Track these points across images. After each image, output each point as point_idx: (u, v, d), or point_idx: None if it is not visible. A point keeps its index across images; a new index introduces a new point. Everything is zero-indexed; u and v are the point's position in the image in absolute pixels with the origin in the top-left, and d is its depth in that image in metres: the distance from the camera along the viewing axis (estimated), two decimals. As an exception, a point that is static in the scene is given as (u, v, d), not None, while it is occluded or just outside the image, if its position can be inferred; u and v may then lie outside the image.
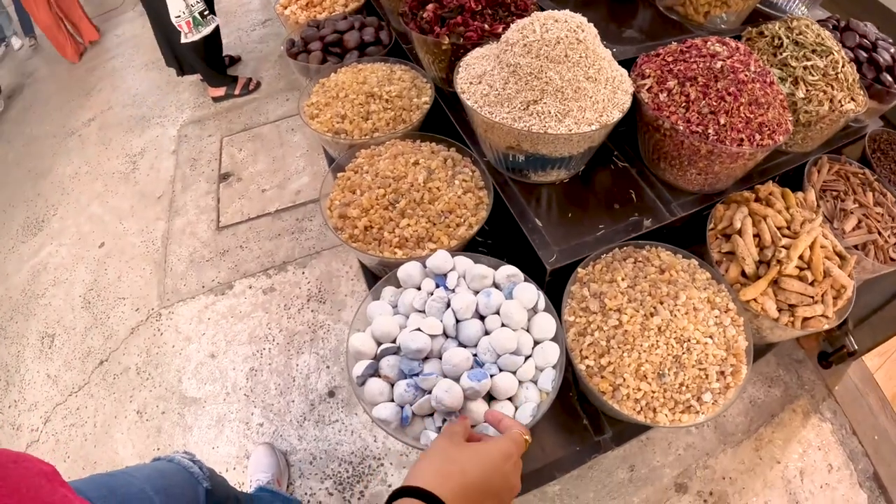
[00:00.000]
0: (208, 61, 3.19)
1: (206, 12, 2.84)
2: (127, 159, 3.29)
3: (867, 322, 1.82)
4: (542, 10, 1.19)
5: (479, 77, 1.12)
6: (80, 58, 4.42)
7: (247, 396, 2.07)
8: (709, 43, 1.24)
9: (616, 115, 1.08)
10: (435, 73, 1.43)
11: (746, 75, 1.18)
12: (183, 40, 2.88)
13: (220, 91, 3.38)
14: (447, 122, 1.41)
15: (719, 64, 1.19)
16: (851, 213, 1.39)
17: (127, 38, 4.64)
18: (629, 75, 1.20)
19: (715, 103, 1.16)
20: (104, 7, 5.19)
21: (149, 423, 2.06)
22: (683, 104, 1.17)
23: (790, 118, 1.24)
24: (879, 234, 1.37)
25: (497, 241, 1.35)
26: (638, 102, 1.18)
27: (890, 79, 1.46)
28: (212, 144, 3.21)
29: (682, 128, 1.14)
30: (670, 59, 1.23)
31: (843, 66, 1.35)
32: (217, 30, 3.18)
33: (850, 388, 1.88)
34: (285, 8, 1.98)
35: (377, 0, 1.92)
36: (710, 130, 1.14)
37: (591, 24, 1.14)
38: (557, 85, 1.03)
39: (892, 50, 1.51)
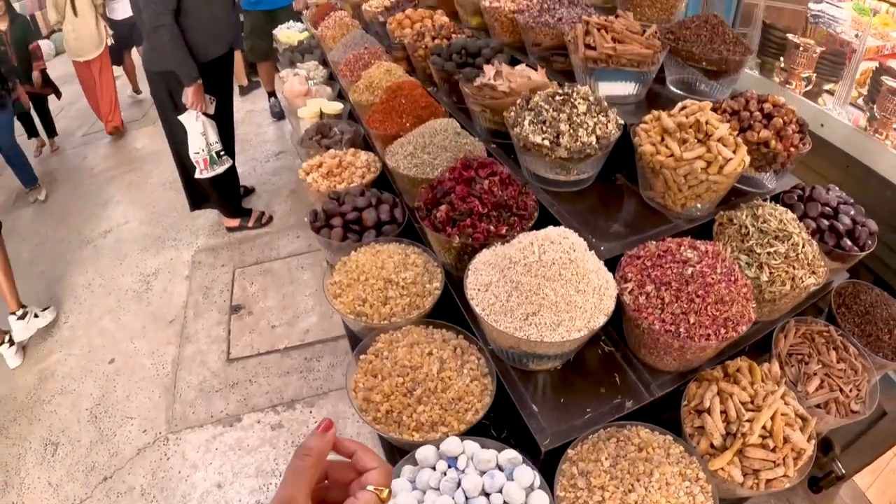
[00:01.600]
0: (225, 194, 3.44)
1: (222, 152, 3.09)
2: (141, 278, 3.42)
3: (853, 446, 1.93)
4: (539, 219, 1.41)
5: (486, 286, 1.34)
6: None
7: (252, 530, 2.10)
8: (682, 248, 1.48)
9: (601, 320, 1.28)
10: (445, 260, 1.65)
11: (714, 278, 1.40)
12: (197, 175, 3.10)
13: (235, 222, 3.60)
14: (454, 304, 1.61)
15: (690, 270, 1.41)
16: (815, 374, 1.56)
17: (148, 152, 4.95)
18: (614, 276, 1.42)
19: (686, 305, 1.37)
20: (128, 117, 5.60)
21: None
22: (659, 306, 1.38)
23: (753, 307, 1.45)
24: (841, 390, 1.55)
25: (499, 416, 1.51)
26: (621, 302, 1.39)
27: (849, 243, 1.66)
28: (224, 275, 3.36)
29: (657, 327, 1.34)
30: (649, 263, 1.46)
31: (802, 247, 1.57)
32: (233, 164, 3.48)
33: (843, 508, 1.98)
34: (307, 174, 2.23)
35: (392, 178, 2.19)
36: (682, 329, 1.34)
37: (581, 240, 1.38)
38: (552, 300, 1.24)
39: (852, 212, 1.72)
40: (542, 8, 2.04)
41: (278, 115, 5.15)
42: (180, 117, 2.95)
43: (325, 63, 3.31)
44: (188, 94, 2.86)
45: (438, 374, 1.34)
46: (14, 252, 3.31)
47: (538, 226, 1.60)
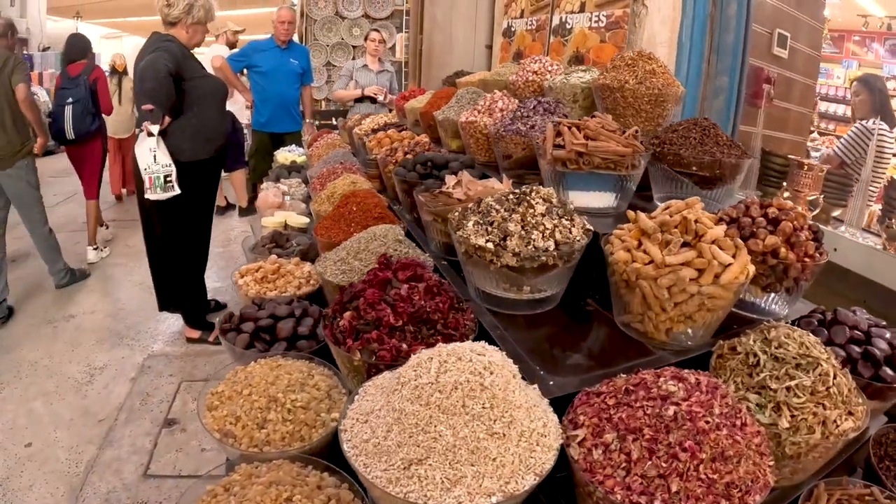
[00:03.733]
0: (192, 303, 3.22)
1: (170, 179, 2.85)
2: (87, 370, 3.25)
3: None
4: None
5: (367, 415, 0.93)
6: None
7: None
8: (661, 380, 1.05)
9: (529, 483, 0.84)
10: (350, 384, 1.26)
11: (709, 422, 0.95)
12: (147, 195, 2.89)
13: (196, 334, 3.38)
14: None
15: (672, 410, 0.97)
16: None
17: (136, 251, 4.88)
18: (560, 420, 1.00)
19: (665, 464, 0.91)
20: (128, 214, 5.68)
21: None
22: (623, 464, 0.92)
23: (770, 464, 0.97)
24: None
25: None
26: (567, 457, 0.95)
27: (890, 372, 1.23)
28: (169, 385, 3.11)
29: (619, 497, 0.88)
30: (612, 401, 1.02)
31: (834, 377, 1.11)
32: (201, 274, 3.28)
33: None
34: (241, 276, 1.96)
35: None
36: (658, 500, 0.88)
37: (509, 361, 0.98)
38: (448, 443, 0.81)
39: (888, 335, 1.31)
40: (515, 116, 1.87)
41: None
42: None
43: (308, 182, 3.27)
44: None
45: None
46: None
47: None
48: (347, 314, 1.23)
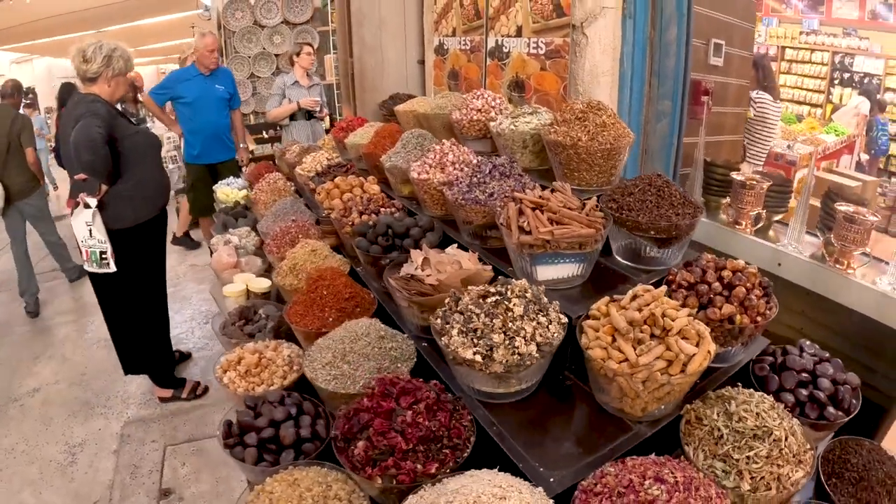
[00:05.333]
0: (158, 362, 3.09)
1: (105, 256, 2.71)
2: (66, 448, 3.09)
3: None
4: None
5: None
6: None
7: None
8: (647, 482, 1.16)
9: None
10: (373, 495, 1.33)
11: None
12: (85, 266, 2.78)
13: (168, 393, 3.25)
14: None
15: None
16: None
17: (84, 304, 4.67)
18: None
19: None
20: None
21: None
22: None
23: None
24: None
25: None
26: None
27: (833, 411, 1.41)
28: (154, 452, 3.00)
29: None
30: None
31: (786, 440, 1.28)
32: (166, 329, 3.14)
33: None
34: (224, 372, 1.93)
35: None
36: None
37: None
38: None
39: (830, 370, 1.49)
40: (472, 182, 1.86)
41: None
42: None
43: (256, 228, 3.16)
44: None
45: None
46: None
47: (478, 449, 1.32)
48: (361, 444, 1.28)
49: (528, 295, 1.47)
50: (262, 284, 2.39)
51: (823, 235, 1.94)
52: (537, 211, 1.58)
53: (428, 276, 1.70)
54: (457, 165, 2.04)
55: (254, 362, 1.88)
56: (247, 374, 1.88)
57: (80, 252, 2.73)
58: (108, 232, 2.63)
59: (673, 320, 1.36)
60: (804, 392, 1.46)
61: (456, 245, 1.86)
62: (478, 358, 1.36)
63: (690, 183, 2.19)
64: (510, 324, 1.40)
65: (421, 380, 1.46)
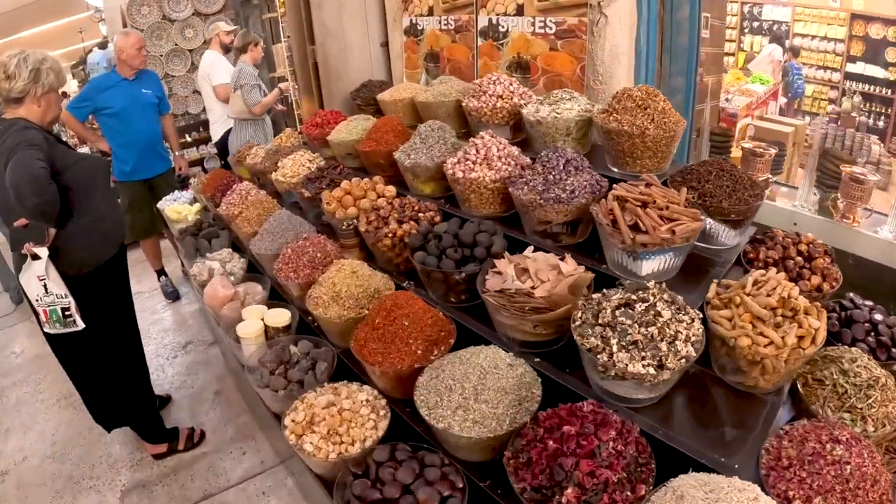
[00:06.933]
0: (141, 416, 2.61)
1: (69, 313, 2.24)
2: None
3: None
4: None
5: None
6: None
7: None
8: (828, 445, 1.25)
9: None
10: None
11: (869, 470, 1.23)
12: (45, 329, 2.30)
13: (162, 448, 2.74)
14: None
15: (848, 469, 1.20)
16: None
17: (29, 357, 3.79)
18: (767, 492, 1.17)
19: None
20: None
21: None
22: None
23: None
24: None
25: None
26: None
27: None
28: None
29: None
30: (804, 474, 1.22)
31: (887, 383, 1.48)
32: (146, 377, 2.66)
33: None
34: (299, 437, 1.63)
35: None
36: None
37: None
38: None
39: (880, 317, 1.71)
40: (546, 180, 1.76)
41: (172, 295, 4.21)
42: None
43: (235, 246, 2.71)
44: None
45: None
46: None
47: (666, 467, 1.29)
48: (571, 492, 1.18)
49: (666, 296, 1.47)
50: (282, 318, 2.07)
51: (832, 197, 2.16)
52: (648, 209, 1.56)
53: (533, 287, 1.61)
54: (503, 160, 1.92)
55: (335, 420, 1.65)
56: (331, 434, 1.65)
57: (36, 314, 2.15)
58: (67, 282, 2.08)
59: (798, 300, 1.46)
60: (872, 340, 1.67)
61: (532, 248, 1.78)
62: (650, 370, 1.34)
63: (698, 151, 2.32)
64: (666, 329, 1.39)
65: (592, 402, 1.41)
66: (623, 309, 1.44)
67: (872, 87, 4.05)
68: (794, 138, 3.65)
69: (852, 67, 4.15)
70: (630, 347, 1.37)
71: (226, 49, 4.57)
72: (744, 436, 1.40)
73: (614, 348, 1.37)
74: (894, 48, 3.87)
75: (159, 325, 3.95)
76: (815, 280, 1.64)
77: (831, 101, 4.48)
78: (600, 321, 1.44)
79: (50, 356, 2.53)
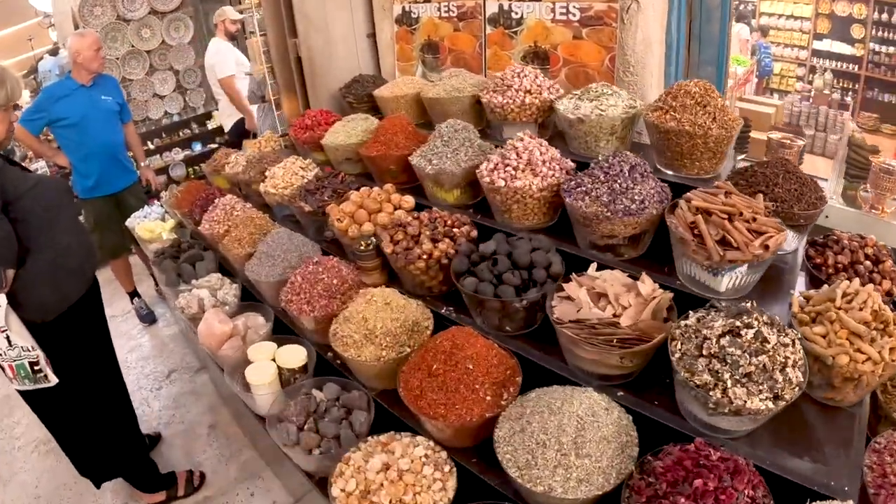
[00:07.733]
0: (131, 464, 2.29)
1: (38, 368, 1.89)
2: None
3: None
4: None
5: None
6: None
7: None
8: None
9: None
10: None
11: None
12: (14, 386, 1.95)
13: (160, 496, 2.42)
14: None
15: None
16: None
17: None
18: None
19: None
20: None
21: None
22: None
23: None
24: None
25: None
26: None
27: None
28: None
29: None
30: None
31: None
32: (134, 422, 2.32)
33: None
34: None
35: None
36: None
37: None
38: None
39: None
40: (612, 189, 1.58)
41: (148, 318, 3.78)
42: None
43: (223, 269, 2.34)
44: None
45: None
46: None
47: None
48: None
49: (765, 318, 1.36)
50: (298, 357, 1.79)
51: (861, 185, 2.14)
52: (736, 222, 1.43)
53: (615, 315, 1.45)
54: (548, 164, 1.73)
55: (398, 488, 1.42)
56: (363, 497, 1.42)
57: (2, 368, 1.78)
58: (32, 331, 1.73)
59: (884, 311, 1.41)
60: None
61: (595, 266, 1.61)
62: (769, 405, 1.23)
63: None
64: (776, 357, 1.29)
65: (710, 444, 1.28)
66: (729, 337, 1.30)
67: (839, 64, 4.23)
68: (775, 119, 3.73)
69: (819, 44, 4.31)
70: (743, 380, 1.25)
71: (231, 37, 4.25)
72: (842, 453, 1.33)
73: (728, 383, 1.24)
74: (860, 25, 4.04)
75: (137, 353, 3.52)
76: (886, 285, 1.59)
77: (799, 78, 4.65)
78: (704, 352, 1.30)
79: (15, 398, 2.14)
